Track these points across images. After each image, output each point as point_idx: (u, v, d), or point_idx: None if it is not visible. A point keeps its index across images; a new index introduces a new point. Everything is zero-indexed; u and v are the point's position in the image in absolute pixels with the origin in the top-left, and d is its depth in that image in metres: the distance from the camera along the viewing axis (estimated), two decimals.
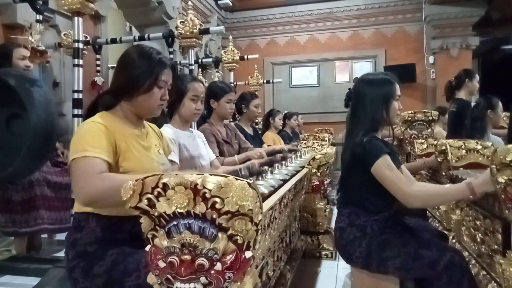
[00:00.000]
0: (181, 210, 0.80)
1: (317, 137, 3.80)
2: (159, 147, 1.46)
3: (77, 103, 2.11)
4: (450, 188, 1.51)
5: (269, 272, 1.60)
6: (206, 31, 3.12)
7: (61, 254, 2.03)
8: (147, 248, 0.87)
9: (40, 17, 2.70)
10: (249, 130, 3.23)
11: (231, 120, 3.61)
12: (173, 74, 1.39)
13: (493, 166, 1.27)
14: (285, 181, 1.68)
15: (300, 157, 2.44)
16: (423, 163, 2.46)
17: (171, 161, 1.75)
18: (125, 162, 1.23)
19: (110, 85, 1.40)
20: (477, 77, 3.50)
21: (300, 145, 3.47)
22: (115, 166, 1.21)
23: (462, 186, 1.38)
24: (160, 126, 1.68)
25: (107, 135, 1.21)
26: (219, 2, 7.64)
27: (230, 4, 7.70)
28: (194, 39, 2.99)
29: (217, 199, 0.77)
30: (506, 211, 1.27)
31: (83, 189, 1.11)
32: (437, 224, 2.53)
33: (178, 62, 4.27)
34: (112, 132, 1.23)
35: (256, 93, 3.97)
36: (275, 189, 1.47)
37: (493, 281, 1.51)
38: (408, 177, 1.71)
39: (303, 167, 2.41)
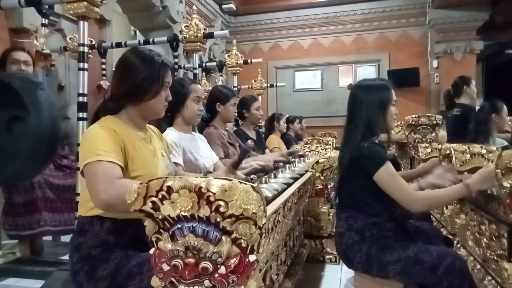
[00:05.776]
0: (185, 213, 0.80)
1: (320, 141, 3.78)
2: (162, 149, 1.47)
3: (82, 107, 2.12)
4: (450, 189, 1.57)
5: (272, 276, 1.59)
6: (210, 35, 3.13)
7: (65, 257, 2.03)
8: (151, 251, 0.87)
9: (45, 21, 2.72)
10: (252, 135, 3.22)
11: (234, 125, 3.61)
12: (172, 74, 1.42)
13: (498, 170, 1.26)
14: (288, 185, 1.68)
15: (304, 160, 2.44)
16: (422, 169, 2.22)
17: (176, 164, 1.76)
18: (133, 166, 1.24)
19: (112, 91, 1.38)
20: (474, 82, 3.57)
21: (303, 148, 3.46)
22: (125, 170, 1.22)
23: (460, 187, 1.52)
24: (163, 130, 1.69)
25: (116, 139, 1.21)
26: (223, 6, 7.69)
27: (234, 8, 7.75)
28: (198, 43, 3.01)
29: (221, 203, 0.77)
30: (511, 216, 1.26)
31: (103, 192, 1.10)
32: (441, 229, 2.51)
33: (182, 66, 4.29)
34: (121, 136, 1.24)
35: (259, 97, 3.98)
36: (279, 193, 1.47)
37: (498, 287, 1.49)
38: None
39: (306, 171, 2.41)
